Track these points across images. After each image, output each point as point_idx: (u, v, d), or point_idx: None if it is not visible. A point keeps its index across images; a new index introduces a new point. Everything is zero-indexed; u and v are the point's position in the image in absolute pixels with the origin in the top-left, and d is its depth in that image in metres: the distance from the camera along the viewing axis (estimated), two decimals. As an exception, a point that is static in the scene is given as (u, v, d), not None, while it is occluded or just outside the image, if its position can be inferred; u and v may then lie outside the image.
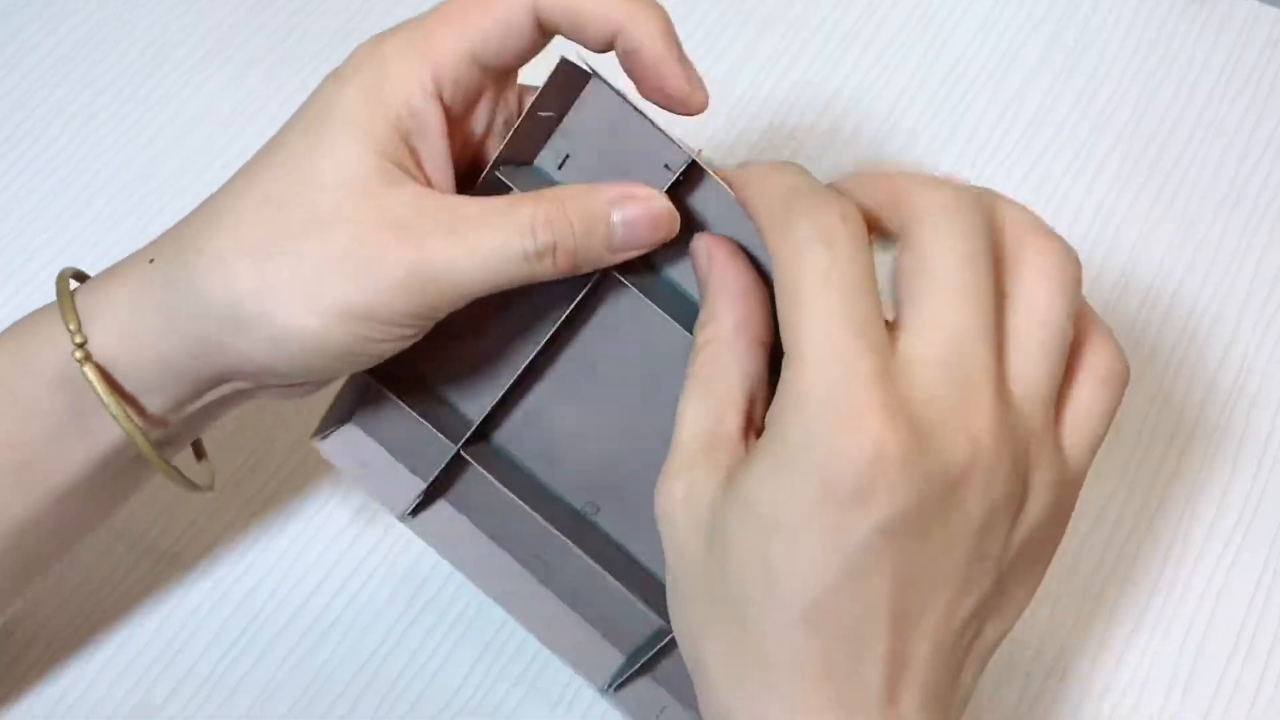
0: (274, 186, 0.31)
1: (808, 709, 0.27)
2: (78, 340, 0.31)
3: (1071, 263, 0.29)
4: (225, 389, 0.33)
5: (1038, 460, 0.28)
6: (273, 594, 0.45)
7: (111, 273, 0.33)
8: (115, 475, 0.34)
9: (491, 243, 0.30)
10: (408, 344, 0.32)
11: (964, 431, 0.27)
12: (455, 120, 0.32)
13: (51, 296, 0.33)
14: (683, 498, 0.29)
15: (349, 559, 0.45)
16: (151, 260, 0.32)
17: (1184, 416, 0.49)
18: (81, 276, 0.34)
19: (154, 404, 0.33)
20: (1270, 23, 0.58)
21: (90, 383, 0.31)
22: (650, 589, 0.36)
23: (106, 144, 0.56)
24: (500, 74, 0.33)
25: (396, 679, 0.43)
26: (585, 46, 0.32)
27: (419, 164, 0.31)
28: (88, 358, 0.31)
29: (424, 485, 0.37)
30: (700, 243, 0.31)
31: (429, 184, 0.31)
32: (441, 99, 0.31)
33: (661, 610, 0.35)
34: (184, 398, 0.33)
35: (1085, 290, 0.30)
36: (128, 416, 0.32)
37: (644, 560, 0.37)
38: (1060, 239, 0.29)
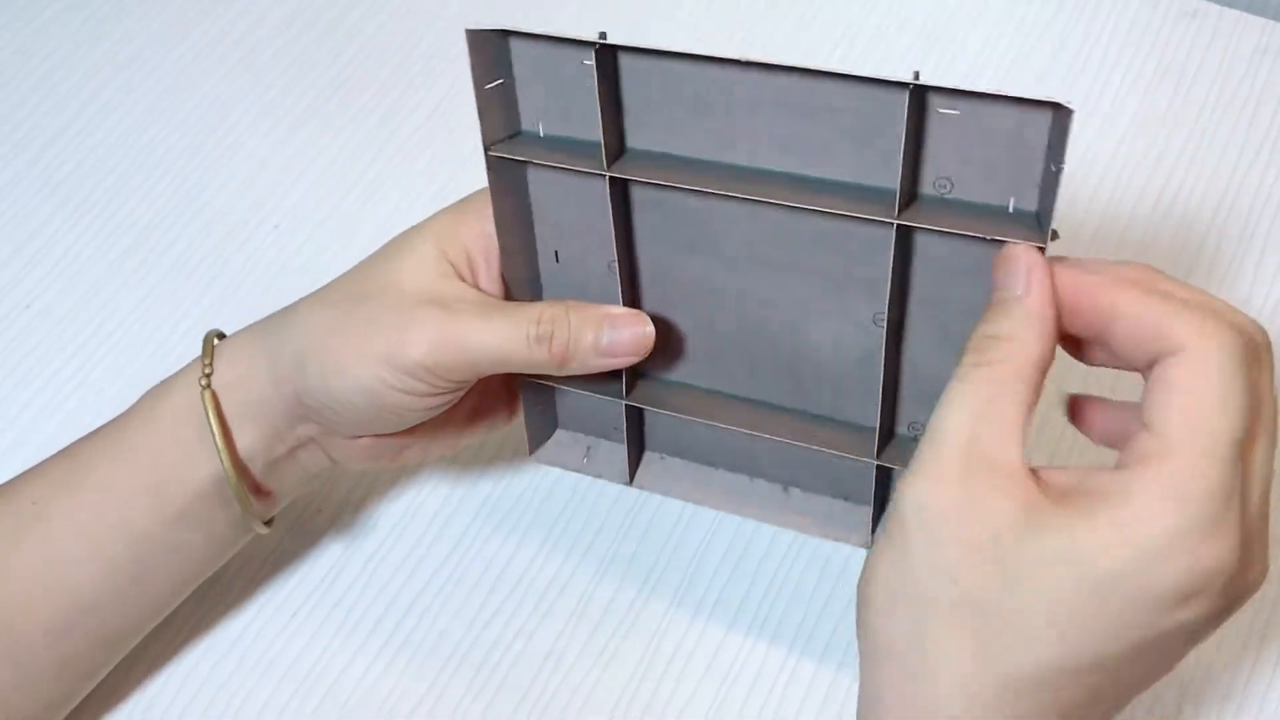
0: (367, 273, 0.41)
1: None
2: (206, 371, 0.41)
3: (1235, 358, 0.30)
4: (301, 432, 0.42)
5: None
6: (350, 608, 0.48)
7: (238, 333, 0.43)
8: (223, 504, 0.41)
9: (506, 324, 0.38)
10: (438, 408, 0.40)
11: (1261, 567, 0.30)
12: None
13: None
14: (958, 506, 0.29)
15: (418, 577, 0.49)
16: (250, 325, 0.43)
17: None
18: (222, 335, 0.43)
19: (248, 435, 0.41)
20: (1257, 31, 0.61)
21: (204, 407, 0.40)
22: (850, 439, 0.40)
23: (177, 199, 0.60)
24: None
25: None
26: None
27: (476, 277, 0.41)
28: (208, 385, 0.40)
29: (624, 446, 0.43)
30: (1022, 254, 0.31)
31: (478, 286, 0.41)
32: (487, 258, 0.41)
33: (866, 450, 0.39)
34: (271, 432, 0.41)
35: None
36: (225, 434, 0.40)
37: (832, 414, 0.41)
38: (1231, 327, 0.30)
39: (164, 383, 0.43)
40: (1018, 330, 0.30)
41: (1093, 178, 0.58)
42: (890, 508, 0.30)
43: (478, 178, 0.59)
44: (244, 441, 0.41)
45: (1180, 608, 0.28)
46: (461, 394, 0.40)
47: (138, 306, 0.57)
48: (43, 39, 0.66)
